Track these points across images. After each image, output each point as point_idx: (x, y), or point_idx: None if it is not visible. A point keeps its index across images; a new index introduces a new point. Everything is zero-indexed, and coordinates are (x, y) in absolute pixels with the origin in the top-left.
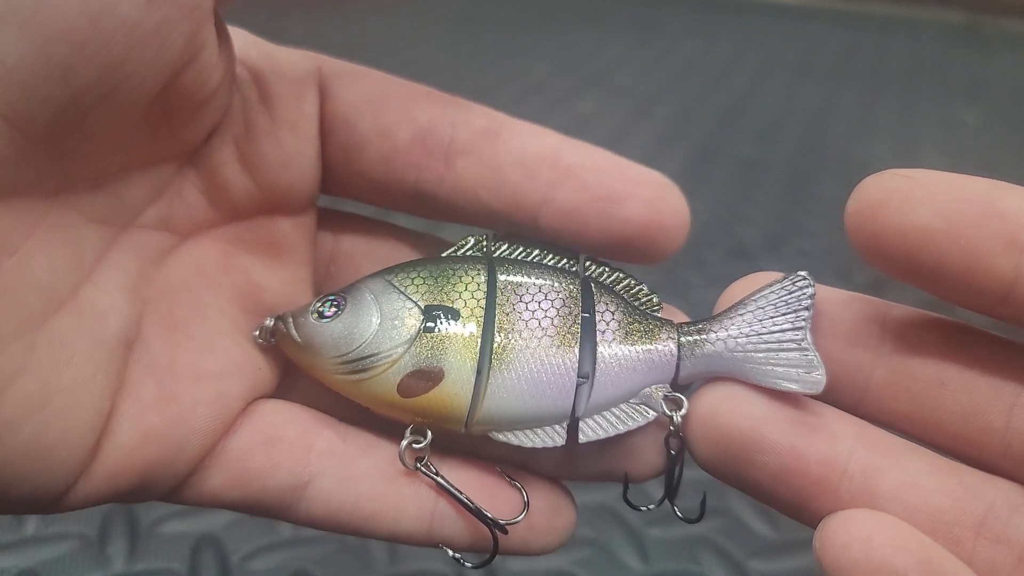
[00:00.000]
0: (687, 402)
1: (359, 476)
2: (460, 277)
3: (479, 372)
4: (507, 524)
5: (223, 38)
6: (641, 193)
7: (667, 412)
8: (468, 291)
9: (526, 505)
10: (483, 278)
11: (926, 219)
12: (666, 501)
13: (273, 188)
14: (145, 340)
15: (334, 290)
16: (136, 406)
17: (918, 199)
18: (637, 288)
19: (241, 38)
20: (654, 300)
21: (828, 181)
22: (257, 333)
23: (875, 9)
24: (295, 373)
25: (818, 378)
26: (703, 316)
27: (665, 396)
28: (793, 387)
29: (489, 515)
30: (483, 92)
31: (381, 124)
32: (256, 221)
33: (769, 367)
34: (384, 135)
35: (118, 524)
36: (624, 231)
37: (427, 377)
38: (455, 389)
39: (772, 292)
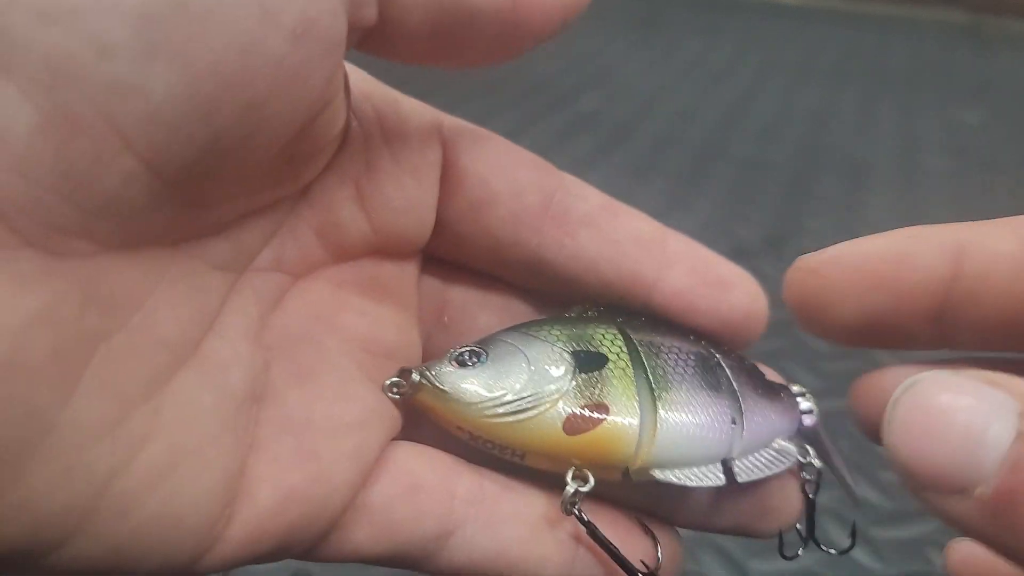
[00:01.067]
0: (812, 450)
1: (502, 522)
2: (595, 330)
3: (642, 411)
4: (651, 574)
5: (346, 79)
6: (743, 284)
7: (804, 458)
8: (607, 340)
9: (659, 555)
10: (615, 331)
11: (847, 317)
12: (811, 541)
13: (388, 231)
14: (276, 392)
15: (465, 343)
16: (274, 465)
17: (832, 301)
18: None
19: (362, 76)
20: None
21: (829, 181)
22: (390, 383)
23: (876, 9)
24: (418, 414)
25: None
26: None
27: (797, 445)
28: (846, 487)
29: (640, 570)
30: (483, 91)
31: (514, 184)
32: (362, 262)
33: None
34: (516, 196)
35: None
36: (730, 317)
37: (594, 411)
38: (622, 424)
39: None
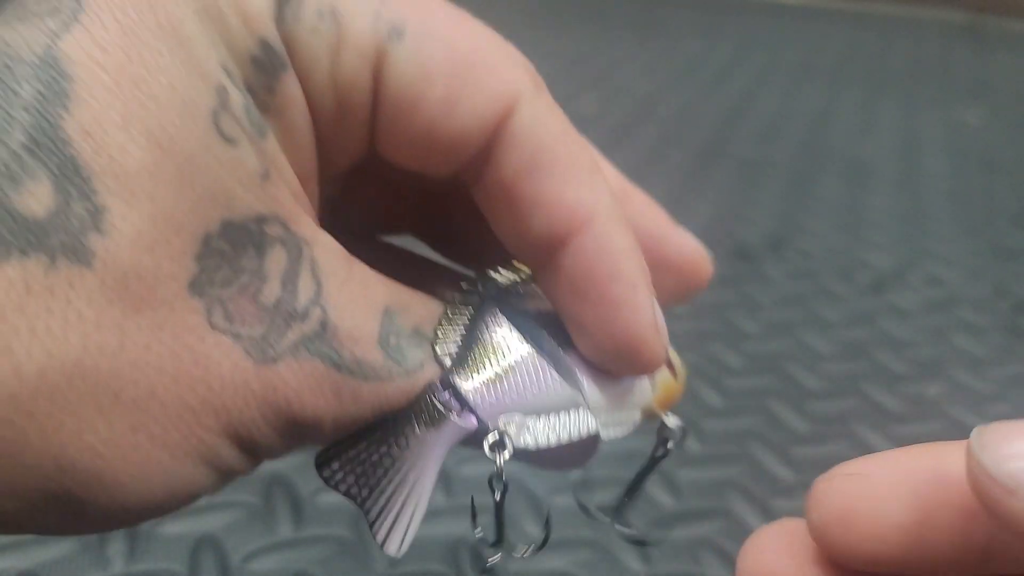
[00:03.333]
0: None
1: None
2: None
3: None
4: None
5: None
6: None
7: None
8: None
9: None
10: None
11: (900, 517)
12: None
13: None
14: None
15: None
16: None
17: (884, 499)
18: None
19: None
20: None
21: (830, 181)
22: None
23: (877, 9)
24: None
25: None
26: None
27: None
28: None
29: None
30: None
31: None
32: None
33: None
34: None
35: None
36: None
37: None
38: None
39: None
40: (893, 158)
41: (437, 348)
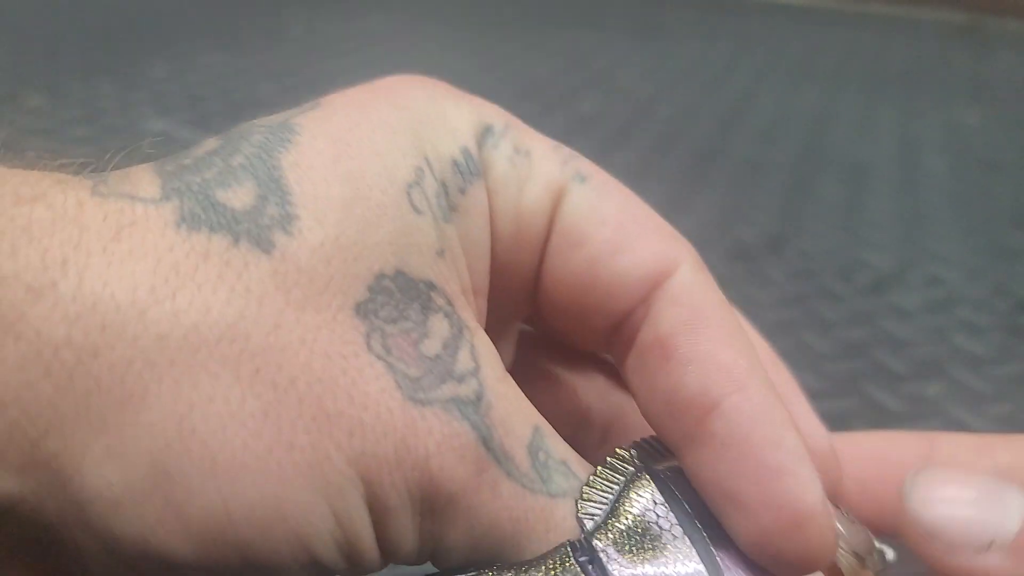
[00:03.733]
0: None
1: None
2: None
3: None
4: None
5: None
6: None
7: None
8: None
9: None
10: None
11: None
12: None
13: None
14: None
15: None
16: None
17: None
18: None
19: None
20: None
21: (829, 181)
22: None
23: (876, 9)
24: None
25: None
26: None
27: None
28: None
29: None
30: (483, 92)
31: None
32: None
33: None
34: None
35: None
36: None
37: None
38: None
39: None
40: (893, 158)
41: (580, 506)
